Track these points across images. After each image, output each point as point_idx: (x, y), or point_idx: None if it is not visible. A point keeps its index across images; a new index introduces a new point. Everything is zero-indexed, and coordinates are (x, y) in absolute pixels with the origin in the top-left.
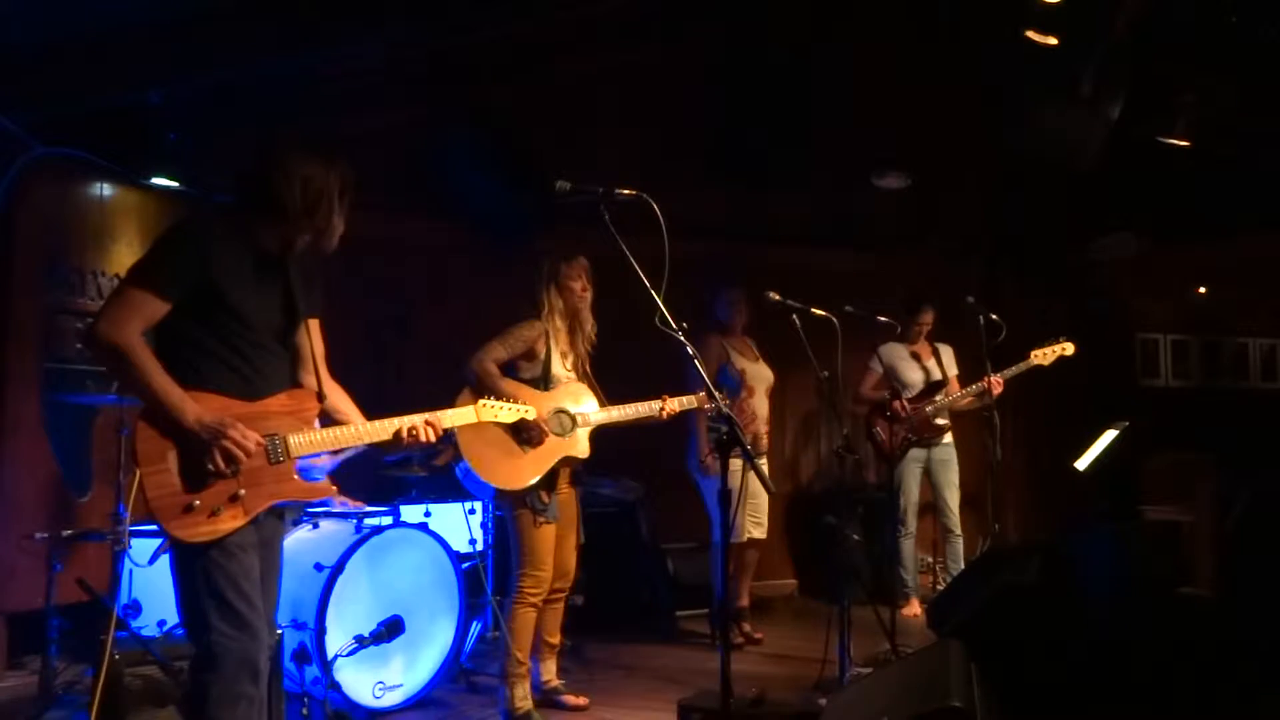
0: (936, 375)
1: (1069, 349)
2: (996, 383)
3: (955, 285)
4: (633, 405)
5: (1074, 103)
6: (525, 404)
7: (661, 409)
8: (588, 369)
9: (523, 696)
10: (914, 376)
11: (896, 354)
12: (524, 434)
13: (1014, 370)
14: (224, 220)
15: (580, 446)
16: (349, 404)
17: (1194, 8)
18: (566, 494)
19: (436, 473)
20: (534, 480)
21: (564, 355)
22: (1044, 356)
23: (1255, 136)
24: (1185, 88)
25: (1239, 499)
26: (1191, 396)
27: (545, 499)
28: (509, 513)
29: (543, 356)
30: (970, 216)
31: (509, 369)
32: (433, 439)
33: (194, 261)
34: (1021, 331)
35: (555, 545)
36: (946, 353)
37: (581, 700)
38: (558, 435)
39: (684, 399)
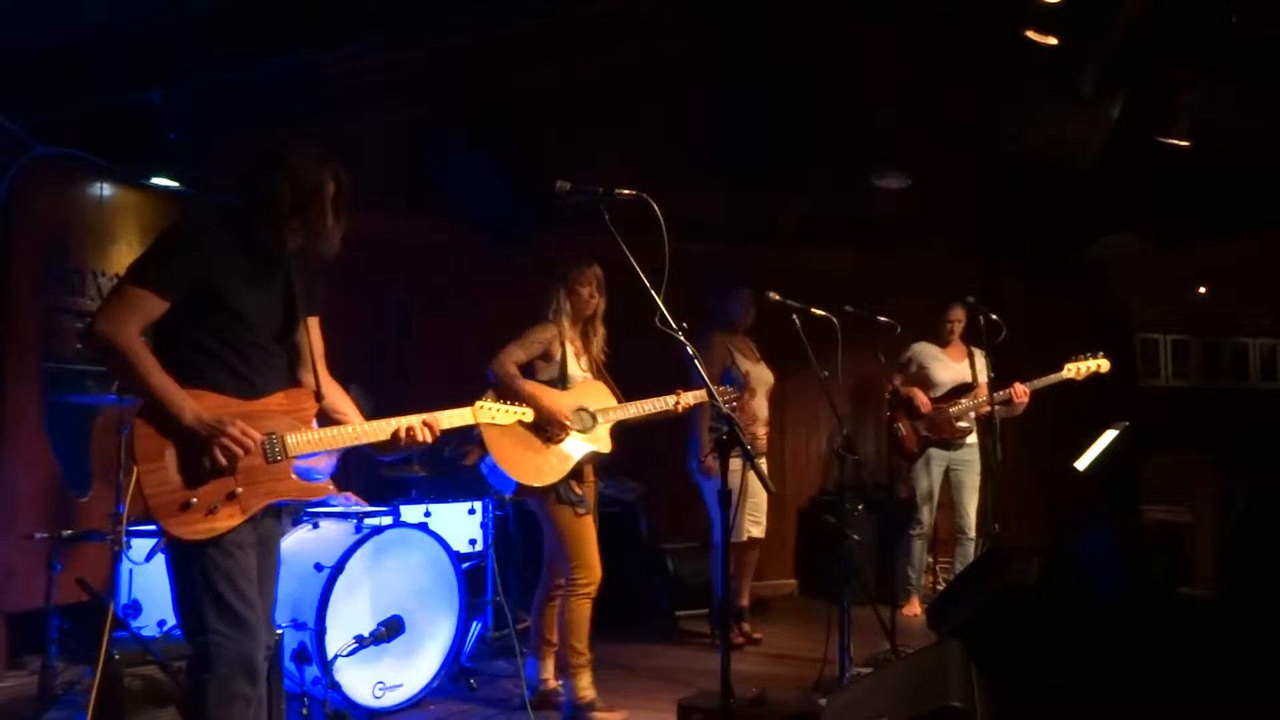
0: (966, 378)
1: (1105, 366)
2: (1022, 392)
3: (955, 285)
4: (649, 401)
5: (1074, 103)
6: (524, 407)
7: (676, 403)
8: (602, 369)
9: (586, 685)
10: (943, 376)
11: (928, 353)
12: (544, 431)
13: (1044, 382)
14: (223, 219)
15: (603, 441)
16: (348, 403)
17: (1194, 8)
18: (591, 487)
19: (439, 473)
20: (561, 476)
21: (578, 355)
22: (1077, 372)
23: (1255, 136)
24: (1185, 88)
25: (1239, 499)
26: (1191, 396)
27: (577, 490)
28: (544, 510)
29: (558, 358)
30: (970, 216)
31: (528, 371)
32: (429, 439)
33: (192, 260)
34: (1022, 331)
35: None
36: (980, 358)
37: (616, 716)
38: (580, 432)
39: (698, 392)
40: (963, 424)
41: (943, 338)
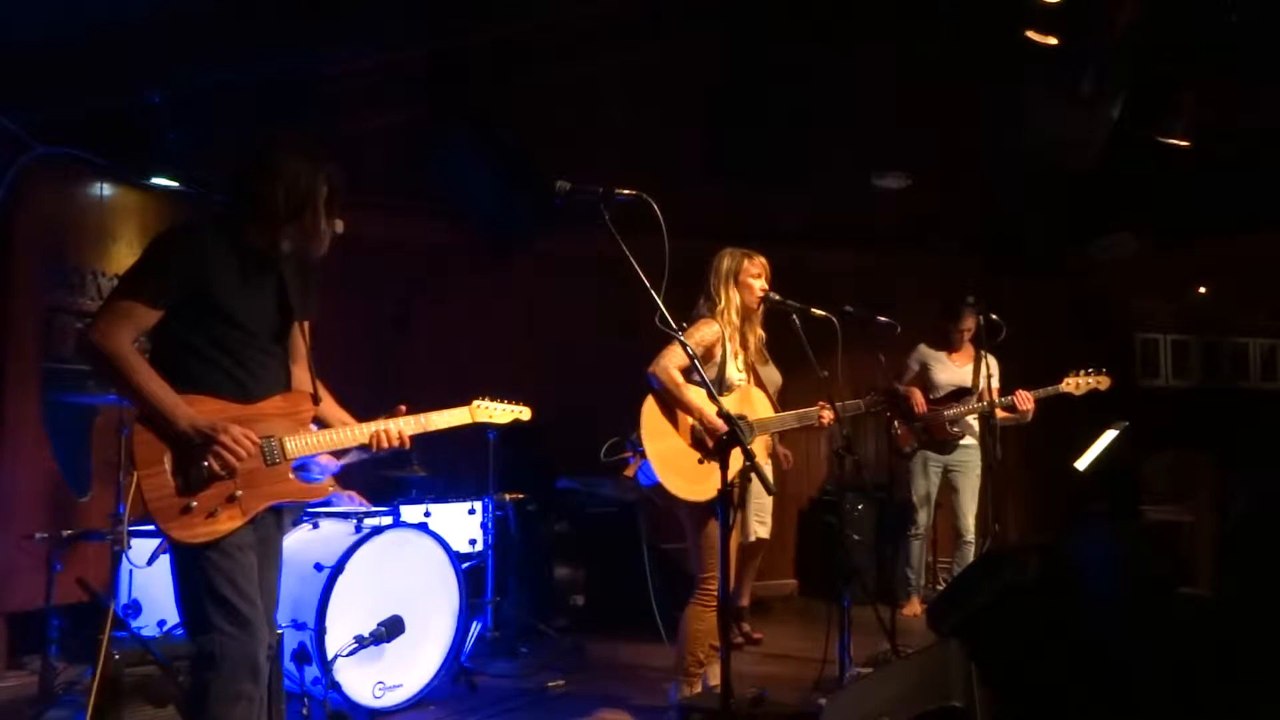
0: (966, 382)
1: (1105, 383)
2: (1026, 398)
3: (955, 285)
4: (795, 412)
5: (1074, 103)
6: (523, 407)
7: (819, 416)
8: (756, 369)
9: (706, 678)
10: (942, 378)
11: (932, 355)
12: (706, 445)
13: (1044, 392)
14: (214, 223)
15: (760, 454)
16: (335, 406)
17: (1194, 7)
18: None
19: (438, 473)
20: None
21: (736, 355)
22: (1076, 386)
23: (1255, 136)
24: (1185, 88)
25: (1239, 499)
26: (1191, 396)
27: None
28: (695, 517)
29: (718, 359)
30: (970, 216)
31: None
32: (394, 444)
33: (183, 267)
34: (1022, 331)
35: None
36: (992, 364)
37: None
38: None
39: (847, 404)
40: (955, 428)
41: (952, 342)
